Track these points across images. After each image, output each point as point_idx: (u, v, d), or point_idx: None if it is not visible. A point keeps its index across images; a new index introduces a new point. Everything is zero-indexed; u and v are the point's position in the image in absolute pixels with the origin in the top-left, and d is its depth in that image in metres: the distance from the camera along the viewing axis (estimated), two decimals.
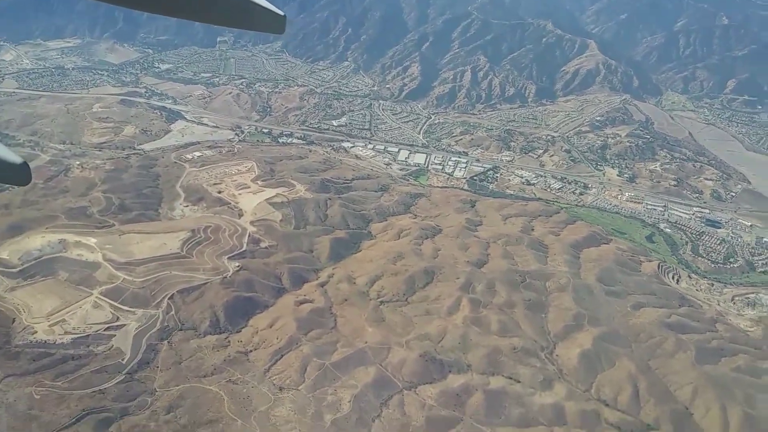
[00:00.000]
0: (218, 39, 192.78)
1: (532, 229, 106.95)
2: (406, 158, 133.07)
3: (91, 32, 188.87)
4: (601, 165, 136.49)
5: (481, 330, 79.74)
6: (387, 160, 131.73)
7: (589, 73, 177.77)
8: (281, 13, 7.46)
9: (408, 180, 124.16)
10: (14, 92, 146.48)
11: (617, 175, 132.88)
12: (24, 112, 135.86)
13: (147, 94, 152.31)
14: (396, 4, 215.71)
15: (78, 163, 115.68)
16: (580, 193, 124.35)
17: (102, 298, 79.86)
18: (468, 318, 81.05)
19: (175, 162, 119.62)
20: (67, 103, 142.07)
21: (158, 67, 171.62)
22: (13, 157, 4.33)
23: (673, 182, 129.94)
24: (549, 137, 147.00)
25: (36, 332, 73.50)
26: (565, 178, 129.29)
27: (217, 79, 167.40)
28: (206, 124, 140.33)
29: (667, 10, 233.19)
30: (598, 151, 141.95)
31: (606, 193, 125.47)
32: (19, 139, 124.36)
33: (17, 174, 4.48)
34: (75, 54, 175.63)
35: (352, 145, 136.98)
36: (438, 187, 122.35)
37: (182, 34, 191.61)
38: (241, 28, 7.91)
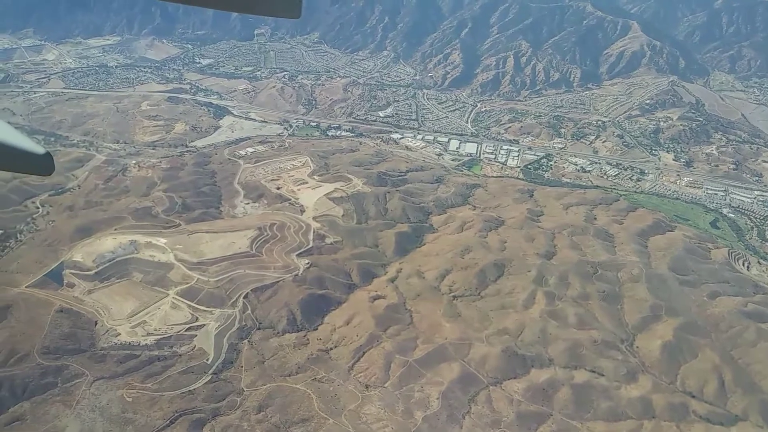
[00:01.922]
0: (255, 32, 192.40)
1: (595, 218, 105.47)
2: (457, 148, 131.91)
3: (130, 29, 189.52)
4: (655, 150, 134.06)
5: (559, 323, 78.91)
6: (438, 150, 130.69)
7: (634, 55, 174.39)
8: None
9: (462, 170, 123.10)
10: (62, 92, 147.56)
11: (673, 160, 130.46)
12: (74, 111, 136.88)
13: (192, 90, 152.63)
14: None
15: (134, 162, 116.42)
16: (638, 180, 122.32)
17: (179, 298, 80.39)
18: (545, 311, 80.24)
19: (229, 158, 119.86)
20: (116, 102, 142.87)
21: (200, 63, 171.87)
22: (36, 147, 4.35)
23: (731, 166, 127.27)
24: (599, 122, 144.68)
25: (119, 334, 74.22)
26: (621, 165, 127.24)
27: (259, 73, 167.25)
28: (254, 119, 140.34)
29: None
30: (651, 135, 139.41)
31: (664, 178, 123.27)
32: (72, 139, 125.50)
33: (40, 164, 4.49)
34: (116, 51, 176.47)
35: (401, 136, 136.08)
36: (493, 176, 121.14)
37: (219, 28, 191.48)
38: (255, 13, 7.79)
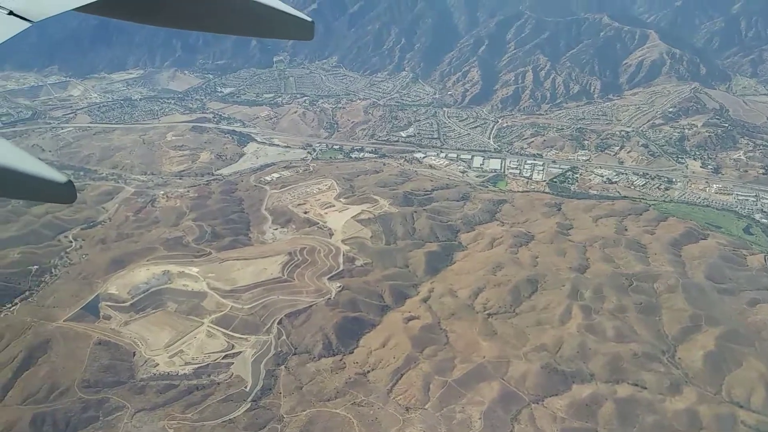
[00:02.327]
0: (274, 59, 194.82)
1: (626, 229, 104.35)
2: (480, 164, 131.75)
3: (152, 62, 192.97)
4: (682, 158, 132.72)
5: (597, 337, 77.88)
6: (462, 167, 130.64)
7: (653, 64, 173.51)
8: (309, 19, 7.70)
9: (487, 186, 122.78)
10: (89, 126, 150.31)
11: (701, 167, 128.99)
12: (101, 145, 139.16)
13: (215, 119, 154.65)
14: (445, 9, 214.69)
15: (162, 192, 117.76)
16: (666, 188, 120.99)
17: (214, 326, 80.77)
18: (582, 326, 79.25)
19: (255, 185, 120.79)
20: (141, 134, 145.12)
21: (221, 92, 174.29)
22: (58, 176, 4.37)
23: (761, 170, 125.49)
24: (623, 133, 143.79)
25: (158, 364, 74.64)
26: (648, 174, 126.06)
27: (280, 99, 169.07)
28: (278, 145, 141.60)
29: None
30: (677, 143, 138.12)
31: (692, 186, 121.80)
32: (101, 172, 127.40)
33: (62, 192, 4.49)
34: (139, 85, 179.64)
35: (424, 155, 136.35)
36: (519, 191, 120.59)
37: (239, 56, 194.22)
38: (272, 37, 8.23)
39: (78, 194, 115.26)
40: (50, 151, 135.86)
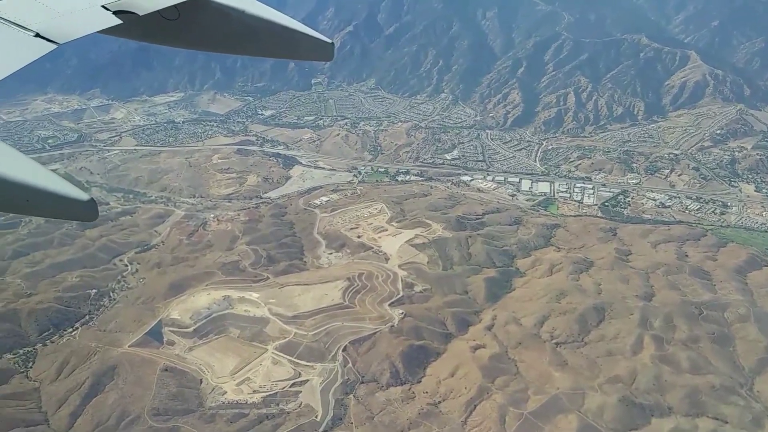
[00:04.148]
0: (313, 81, 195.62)
1: (686, 255, 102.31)
2: (529, 188, 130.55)
3: (192, 85, 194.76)
4: (734, 181, 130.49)
5: (672, 368, 75.91)
6: (510, 190, 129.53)
7: (697, 85, 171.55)
8: (328, 40, 7.87)
9: (538, 210, 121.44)
10: (134, 149, 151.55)
11: (755, 191, 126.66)
12: (149, 168, 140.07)
13: (259, 142, 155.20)
14: (480, 31, 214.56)
15: (213, 216, 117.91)
16: (721, 213, 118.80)
17: (278, 353, 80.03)
18: (655, 356, 77.36)
19: (305, 208, 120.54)
20: (187, 156, 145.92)
21: (262, 114, 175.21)
22: (80, 194, 4.38)
23: None
24: (671, 155, 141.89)
25: (225, 392, 73.98)
26: (701, 198, 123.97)
27: (321, 121, 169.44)
28: (323, 168, 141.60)
29: (759, 13, 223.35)
30: (728, 166, 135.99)
31: (748, 210, 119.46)
32: (150, 195, 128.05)
33: (85, 211, 4.43)
34: (180, 107, 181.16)
35: (471, 177, 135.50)
36: (571, 215, 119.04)
37: (277, 79, 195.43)
38: (291, 58, 8.43)
39: (130, 217, 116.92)
40: (98, 174, 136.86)
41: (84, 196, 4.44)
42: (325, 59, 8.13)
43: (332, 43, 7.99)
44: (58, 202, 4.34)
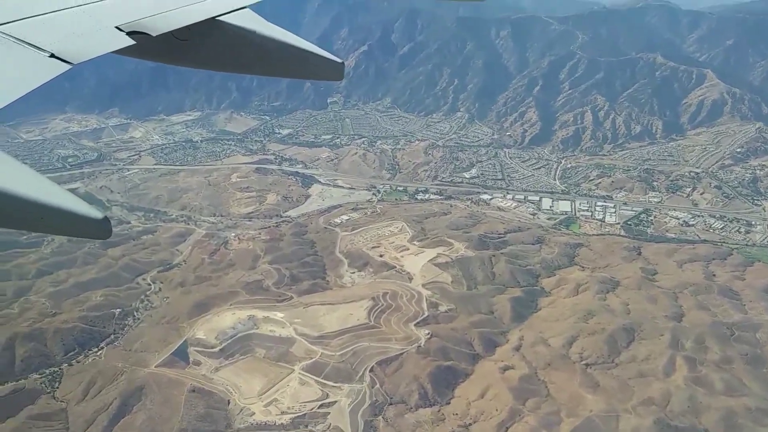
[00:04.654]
0: (329, 100, 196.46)
1: (714, 275, 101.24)
2: (550, 206, 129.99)
3: (209, 104, 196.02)
4: (757, 199, 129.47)
5: (706, 390, 74.64)
6: (531, 209, 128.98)
7: (714, 104, 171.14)
8: (339, 60, 8.06)
9: (560, 229, 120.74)
10: (154, 168, 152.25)
11: None
12: (168, 187, 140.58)
13: (277, 161, 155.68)
14: (494, 50, 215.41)
15: (234, 234, 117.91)
16: (746, 232, 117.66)
17: (305, 374, 79.34)
18: (688, 378, 76.17)
19: (326, 227, 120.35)
20: (206, 175, 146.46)
21: (279, 133, 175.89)
22: (93, 212, 4.35)
23: None
24: (692, 174, 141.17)
25: (254, 413, 73.28)
26: (725, 217, 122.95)
27: (339, 140, 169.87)
28: (342, 186, 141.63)
29: None
30: (750, 184, 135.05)
31: None
32: (171, 214, 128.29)
33: (98, 229, 4.41)
34: (198, 126, 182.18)
35: (491, 196, 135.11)
36: (594, 234, 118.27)
37: (293, 98, 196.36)
38: (301, 78, 8.63)
39: (151, 236, 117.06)
40: (119, 193, 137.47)
41: (98, 214, 4.42)
42: (336, 79, 8.33)
43: (342, 63, 8.18)
44: (72, 220, 4.35)
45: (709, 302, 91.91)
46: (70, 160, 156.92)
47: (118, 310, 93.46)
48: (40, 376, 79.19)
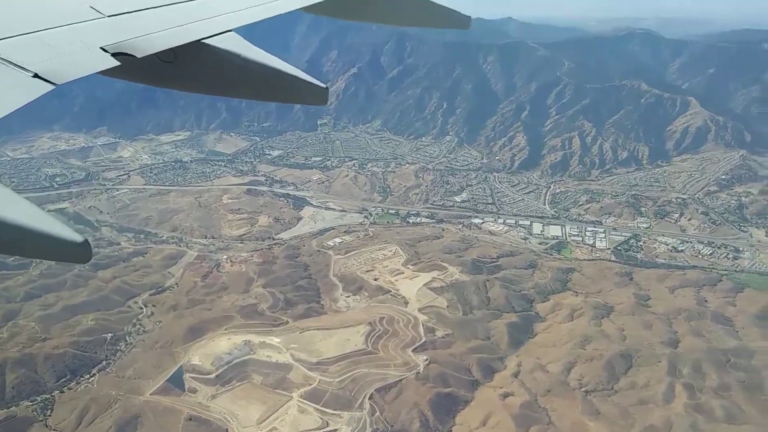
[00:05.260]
0: (318, 122, 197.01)
1: (705, 300, 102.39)
2: (541, 231, 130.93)
3: (198, 124, 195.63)
4: (744, 226, 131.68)
5: (706, 418, 74.99)
6: (522, 234, 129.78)
7: (698, 131, 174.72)
8: (323, 85, 8.20)
9: (552, 254, 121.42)
10: (143, 188, 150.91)
11: (766, 236, 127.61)
12: (158, 207, 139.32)
13: (268, 182, 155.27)
14: (482, 75, 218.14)
15: (226, 257, 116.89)
16: (734, 258, 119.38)
17: (304, 401, 78.28)
18: (688, 405, 76.49)
19: (318, 250, 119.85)
20: (197, 196, 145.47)
21: (269, 154, 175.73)
22: (73, 235, 4.29)
23: None
24: (679, 200, 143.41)
25: None
26: (713, 243, 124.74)
27: (329, 162, 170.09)
28: (333, 209, 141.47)
29: (753, 62, 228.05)
30: (735, 211, 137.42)
31: (761, 255, 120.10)
32: (161, 235, 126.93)
33: (78, 253, 4.39)
34: (187, 146, 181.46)
35: (482, 220, 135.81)
36: (585, 259, 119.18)
37: (284, 119, 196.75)
38: (285, 102, 8.99)
39: (142, 257, 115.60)
40: (108, 213, 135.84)
41: (78, 237, 4.35)
42: (320, 103, 8.47)
43: (326, 88, 8.32)
44: (52, 244, 4.30)
45: (702, 328, 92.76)
46: (57, 179, 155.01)
47: (110, 334, 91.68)
48: (31, 404, 77.15)
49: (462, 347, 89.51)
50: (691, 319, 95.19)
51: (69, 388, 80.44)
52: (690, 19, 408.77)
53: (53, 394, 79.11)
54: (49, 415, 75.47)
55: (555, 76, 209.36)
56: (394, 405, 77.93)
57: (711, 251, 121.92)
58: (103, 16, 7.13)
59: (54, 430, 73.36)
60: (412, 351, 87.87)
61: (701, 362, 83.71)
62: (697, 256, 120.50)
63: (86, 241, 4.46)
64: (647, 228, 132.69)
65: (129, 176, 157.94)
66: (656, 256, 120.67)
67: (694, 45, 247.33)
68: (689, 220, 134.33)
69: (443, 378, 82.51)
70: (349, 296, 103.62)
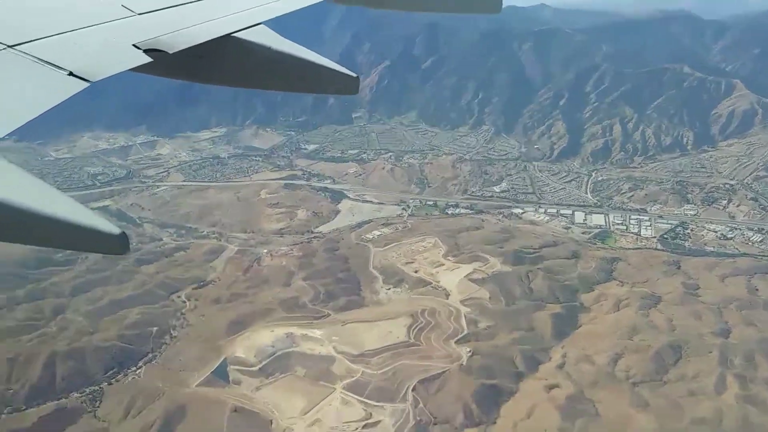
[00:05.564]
0: (353, 115, 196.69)
1: (757, 289, 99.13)
2: (583, 220, 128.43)
3: (234, 120, 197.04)
4: None
5: (759, 410, 72.62)
6: (564, 223, 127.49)
7: (745, 114, 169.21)
8: (353, 74, 8.17)
9: (595, 243, 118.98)
10: (183, 185, 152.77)
11: None
12: (198, 203, 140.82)
13: (305, 176, 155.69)
14: (517, 63, 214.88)
15: (266, 251, 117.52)
16: None
17: (347, 393, 78.28)
18: (740, 397, 74.20)
19: (357, 243, 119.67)
20: (235, 192, 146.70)
21: (305, 148, 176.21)
22: (111, 228, 4.38)
23: None
24: (727, 186, 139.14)
25: None
26: (763, 229, 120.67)
27: (365, 155, 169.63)
28: (371, 201, 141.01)
29: None
30: None
31: None
32: (202, 230, 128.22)
33: (116, 245, 4.44)
34: (224, 142, 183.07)
35: (522, 210, 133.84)
36: (630, 248, 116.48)
37: (318, 113, 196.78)
38: (318, 92, 8.98)
39: (184, 252, 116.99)
40: (149, 210, 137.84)
41: (116, 230, 4.36)
42: (351, 93, 8.50)
43: (357, 77, 8.36)
44: (92, 236, 4.33)
45: (755, 318, 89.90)
46: (99, 177, 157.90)
47: (155, 328, 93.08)
48: (80, 395, 78.80)
49: (505, 339, 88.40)
50: (743, 309, 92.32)
51: (117, 380, 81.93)
52: None
53: (101, 386, 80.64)
54: (98, 407, 76.96)
55: (593, 62, 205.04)
56: (437, 397, 77.36)
57: (761, 238, 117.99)
58: (134, 14, 7.31)
59: (103, 420, 74.83)
60: (455, 343, 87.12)
61: (753, 352, 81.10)
62: (747, 244, 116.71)
63: (123, 233, 4.55)
64: (694, 215, 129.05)
65: (168, 173, 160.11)
66: (705, 244, 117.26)
67: (735, 25, 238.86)
68: (738, 206, 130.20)
69: (487, 370, 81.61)
70: (389, 288, 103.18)
